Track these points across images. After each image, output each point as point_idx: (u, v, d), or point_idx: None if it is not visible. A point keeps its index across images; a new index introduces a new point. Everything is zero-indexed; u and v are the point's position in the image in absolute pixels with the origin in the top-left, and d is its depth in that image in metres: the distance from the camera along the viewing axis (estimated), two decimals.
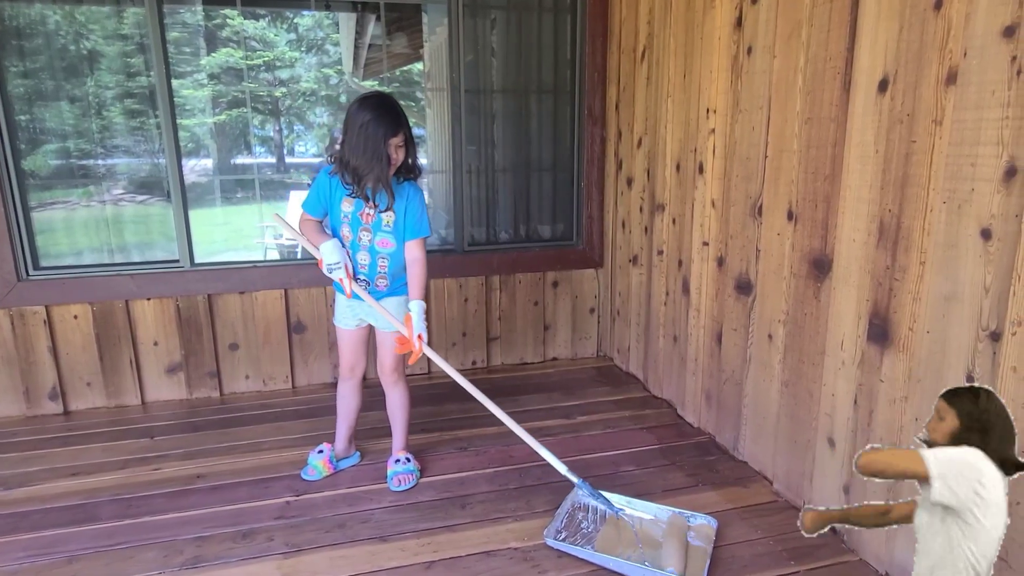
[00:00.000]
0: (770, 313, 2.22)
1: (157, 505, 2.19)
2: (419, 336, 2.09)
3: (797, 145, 2.03)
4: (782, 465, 2.20)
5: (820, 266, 1.97)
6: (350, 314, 2.28)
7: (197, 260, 3.07)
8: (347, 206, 2.12)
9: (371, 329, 2.34)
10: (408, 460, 2.36)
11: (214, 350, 3.12)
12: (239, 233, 8.61)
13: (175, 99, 2.93)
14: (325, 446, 2.44)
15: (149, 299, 3.01)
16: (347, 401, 2.42)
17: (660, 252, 2.96)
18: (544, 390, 3.21)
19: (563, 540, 1.93)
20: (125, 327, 2.99)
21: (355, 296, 2.17)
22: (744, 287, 2.35)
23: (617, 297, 3.48)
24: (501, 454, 2.53)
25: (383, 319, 2.21)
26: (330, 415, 2.90)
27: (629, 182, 3.25)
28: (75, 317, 2.93)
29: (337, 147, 2.08)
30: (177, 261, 3.04)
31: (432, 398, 3.13)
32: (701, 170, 2.57)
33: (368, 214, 2.12)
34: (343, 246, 2.16)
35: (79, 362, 2.98)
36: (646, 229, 3.11)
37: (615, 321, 3.53)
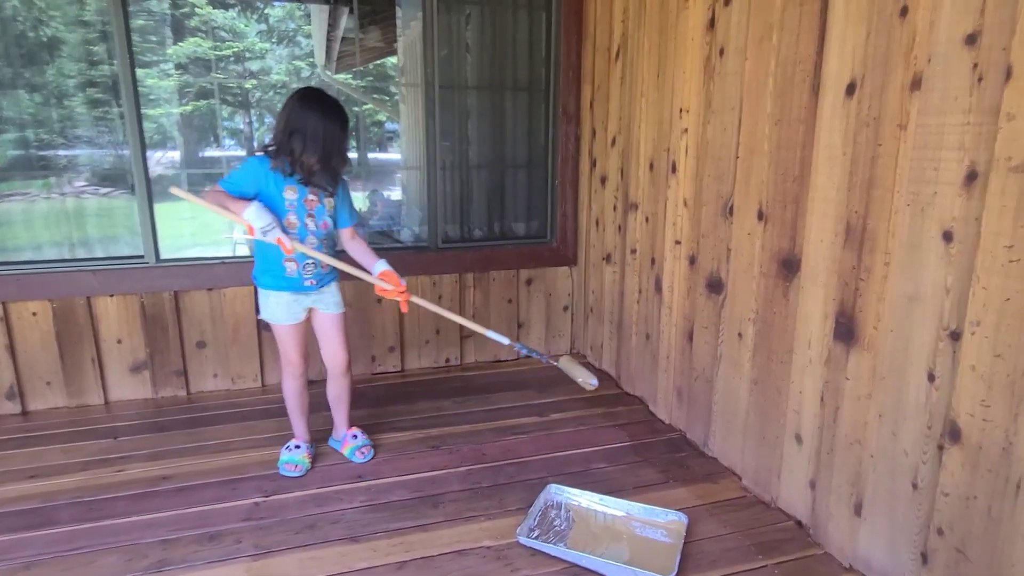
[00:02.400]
0: (740, 312, 2.25)
1: (120, 508, 2.13)
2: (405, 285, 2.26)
3: (767, 146, 2.06)
4: (751, 461, 2.24)
5: (789, 266, 2.00)
6: (297, 307, 2.26)
7: (163, 256, 3.00)
8: (291, 194, 2.13)
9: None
10: (363, 432, 2.53)
11: (180, 348, 3.05)
12: (208, 228, 8.43)
13: (140, 89, 2.85)
14: (300, 441, 2.43)
15: (112, 296, 2.93)
16: (305, 396, 2.43)
17: (633, 251, 2.98)
18: (517, 387, 3.21)
19: (536, 538, 1.93)
20: (87, 325, 2.91)
21: (293, 281, 2.21)
22: (715, 286, 2.38)
23: (591, 295, 3.50)
24: (473, 452, 2.53)
25: (331, 301, 2.32)
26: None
27: (603, 180, 3.26)
28: (34, 314, 2.84)
29: (278, 139, 2.08)
30: (142, 257, 2.96)
31: (404, 396, 3.11)
32: (674, 169, 2.59)
33: (311, 200, 2.17)
34: (283, 229, 2.13)
35: (38, 361, 2.88)
36: (620, 228, 3.13)
37: (588, 319, 3.55)
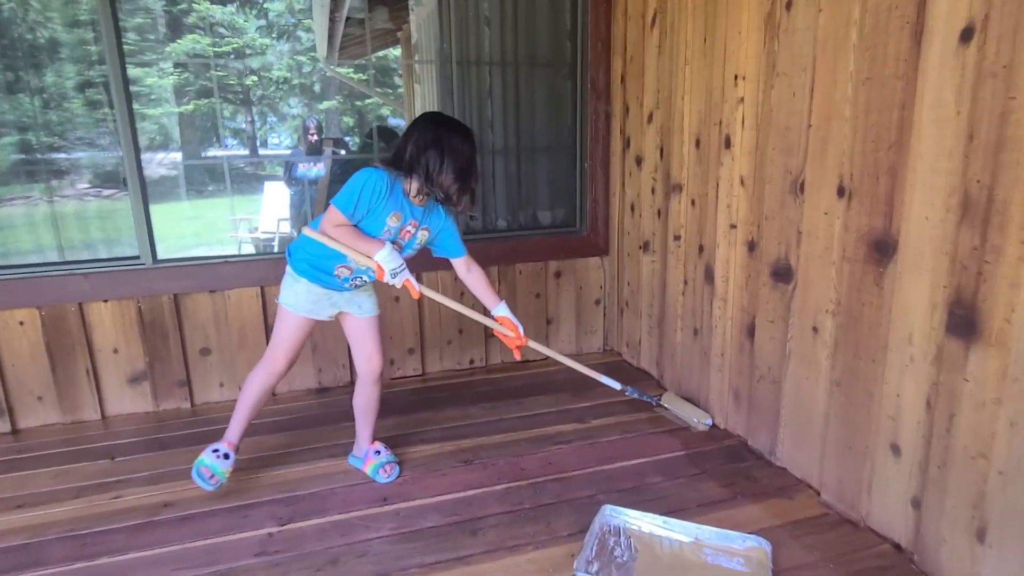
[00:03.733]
0: (815, 303, 1.97)
1: (117, 542, 1.88)
2: (524, 332, 2.24)
3: (851, 111, 1.77)
4: (832, 473, 1.96)
5: (882, 248, 1.71)
6: (325, 303, 2.05)
7: (161, 256, 2.74)
8: (393, 220, 1.96)
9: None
10: (387, 448, 2.28)
11: (183, 356, 2.79)
12: (211, 227, 8.19)
13: (139, 89, 2.58)
14: (230, 451, 2.07)
15: (107, 301, 2.67)
16: (264, 399, 2.13)
17: (677, 237, 2.69)
18: (550, 391, 2.94)
19: (596, 573, 1.66)
20: (80, 333, 2.65)
21: (336, 281, 2.02)
22: (782, 274, 2.09)
23: (626, 287, 3.22)
24: (511, 467, 2.26)
25: (367, 303, 2.14)
26: (317, 426, 2.62)
27: (638, 161, 2.97)
28: (21, 323, 2.58)
29: (406, 155, 1.91)
30: (137, 258, 2.70)
31: (427, 402, 2.84)
32: (728, 144, 2.30)
33: (408, 231, 2.01)
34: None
35: (28, 374, 2.63)
36: (659, 212, 2.84)
37: (623, 313, 3.27)
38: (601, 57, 3.09)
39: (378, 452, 2.23)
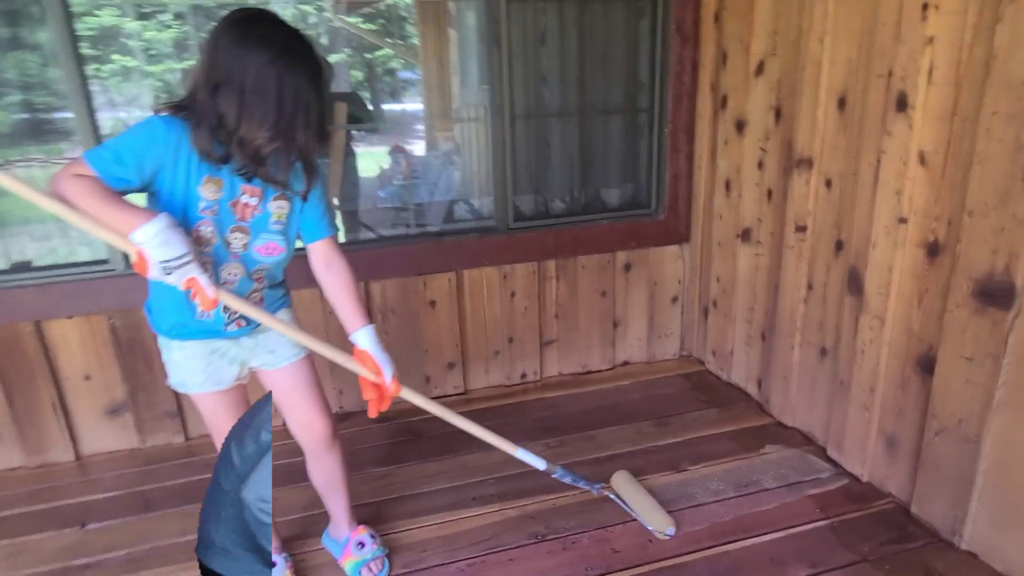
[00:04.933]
0: None
1: None
2: (393, 377, 1.38)
3: None
4: None
5: None
6: (221, 364, 1.39)
7: None
8: (211, 191, 1.22)
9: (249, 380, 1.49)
10: (373, 538, 1.67)
11: None
12: None
13: (137, 43, 1.98)
14: (275, 555, 1.60)
15: (71, 317, 2.11)
16: None
17: (802, 228, 2.06)
18: (626, 417, 2.36)
19: None
20: (40, 358, 2.10)
21: (218, 319, 1.32)
22: (996, 295, 1.47)
23: (713, 283, 2.60)
24: (600, 548, 1.70)
25: (282, 345, 1.43)
26: (351, 470, 2.06)
27: (739, 125, 2.31)
28: None
29: (196, 95, 1.18)
30: (106, 262, 2.13)
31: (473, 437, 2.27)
32: (902, 105, 1.64)
33: (247, 205, 1.27)
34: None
35: None
36: (770, 193, 2.20)
37: (708, 314, 2.66)
38: None
39: (361, 544, 1.64)
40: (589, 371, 2.74)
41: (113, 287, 2.11)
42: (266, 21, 1.18)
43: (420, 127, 3.38)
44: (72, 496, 2.03)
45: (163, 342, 1.38)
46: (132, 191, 1.18)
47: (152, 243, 1.09)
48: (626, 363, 2.80)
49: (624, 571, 1.61)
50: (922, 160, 1.61)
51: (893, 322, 1.76)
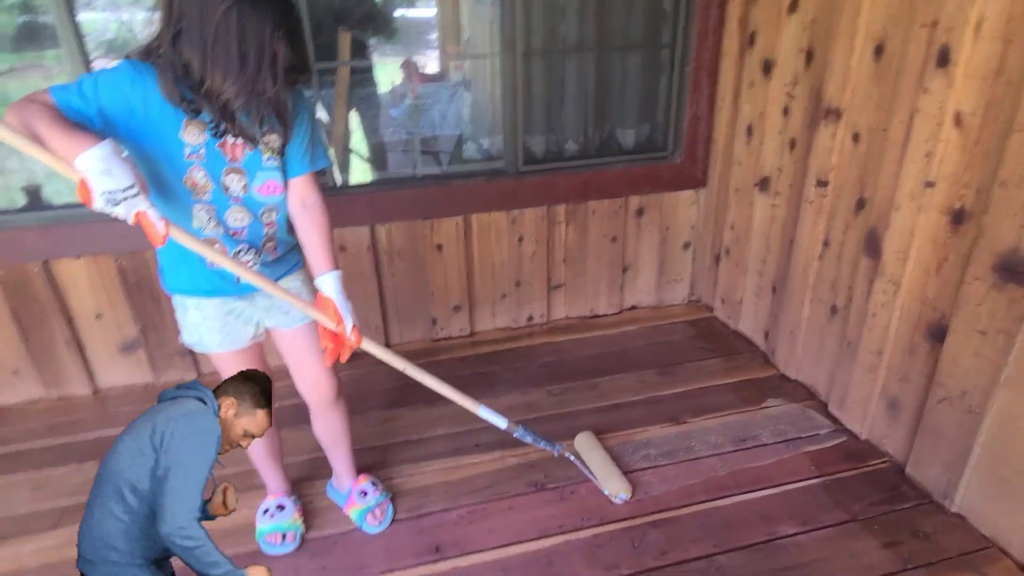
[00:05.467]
0: None
1: None
2: (354, 327, 1.35)
3: None
4: None
5: None
6: (236, 323, 1.40)
7: None
8: (194, 134, 1.18)
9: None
10: (375, 485, 1.74)
11: None
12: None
13: None
14: (281, 498, 1.69)
15: (79, 257, 2.11)
16: (275, 438, 1.66)
17: (822, 183, 1.97)
18: (631, 365, 2.38)
19: None
20: (50, 297, 2.13)
21: (218, 276, 1.31)
22: (1018, 271, 1.41)
23: (727, 230, 2.53)
24: (596, 499, 1.76)
25: (295, 309, 1.40)
26: (358, 412, 2.11)
27: (766, 67, 2.17)
28: None
29: (166, 45, 1.10)
30: None
31: (477, 381, 2.30)
32: (943, 60, 1.52)
33: (236, 144, 1.23)
34: (182, 196, 1.21)
35: None
36: (792, 143, 2.10)
37: (720, 262, 2.61)
38: None
39: (364, 493, 1.70)
40: (596, 315, 2.73)
41: (118, 228, 2.06)
42: None
43: (434, 37, 3.20)
44: (90, 430, 2.12)
45: (178, 301, 1.38)
46: (91, 130, 1.10)
47: (95, 170, 1.01)
48: (634, 307, 2.79)
49: (618, 523, 1.67)
50: (958, 122, 1.51)
51: (908, 288, 1.71)
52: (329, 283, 1.33)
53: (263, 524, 1.63)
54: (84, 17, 1.97)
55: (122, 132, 1.14)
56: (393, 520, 1.70)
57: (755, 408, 2.12)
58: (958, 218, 1.55)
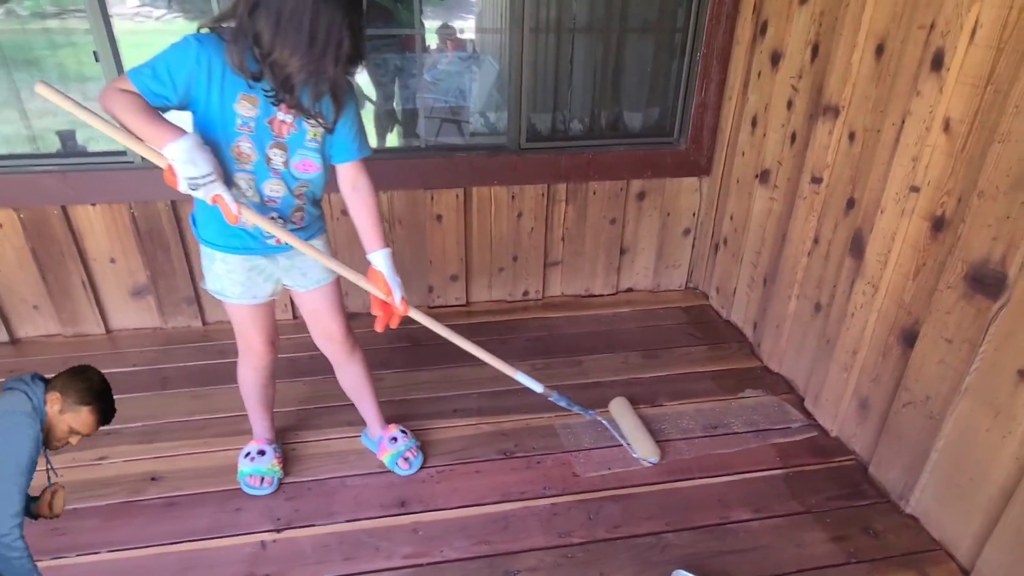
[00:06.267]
0: None
1: (87, 534, 1.60)
2: (403, 298, 1.48)
3: None
4: (999, 556, 1.44)
5: None
6: (258, 279, 1.50)
7: None
8: (246, 108, 1.28)
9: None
10: (404, 432, 1.86)
11: (188, 271, 2.39)
12: None
13: None
14: (263, 444, 1.79)
15: (94, 204, 2.23)
16: (270, 388, 1.77)
17: (817, 179, 1.97)
18: (617, 346, 2.43)
19: None
20: (67, 240, 2.25)
21: (248, 235, 1.41)
22: (988, 284, 1.41)
23: (726, 221, 2.54)
24: (561, 471, 1.83)
25: (312, 269, 1.53)
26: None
27: (775, 58, 2.15)
28: (0, 226, 2.20)
29: (234, 13, 1.19)
30: (123, 154, 2.20)
31: (449, 353, 2.38)
32: (937, 64, 1.50)
33: (283, 122, 1.32)
34: (227, 162, 1.31)
35: (17, 281, 2.29)
36: (793, 137, 2.09)
37: (718, 251, 2.62)
38: None
39: (394, 439, 1.83)
40: (592, 295, 2.78)
41: (130, 180, 2.20)
42: None
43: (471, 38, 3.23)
44: (102, 366, 2.23)
45: (205, 251, 1.47)
46: (171, 108, 1.25)
47: (180, 159, 1.18)
48: (630, 290, 2.82)
49: (578, 494, 1.74)
50: (946, 127, 1.50)
51: (886, 291, 1.72)
52: (380, 259, 1.46)
53: (244, 466, 1.75)
54: None
55: (191, 104, 1.25)
56: (422, 467, 1.82)
57: (732, 397, 2.15)
58: (938, 225, 1.55)
